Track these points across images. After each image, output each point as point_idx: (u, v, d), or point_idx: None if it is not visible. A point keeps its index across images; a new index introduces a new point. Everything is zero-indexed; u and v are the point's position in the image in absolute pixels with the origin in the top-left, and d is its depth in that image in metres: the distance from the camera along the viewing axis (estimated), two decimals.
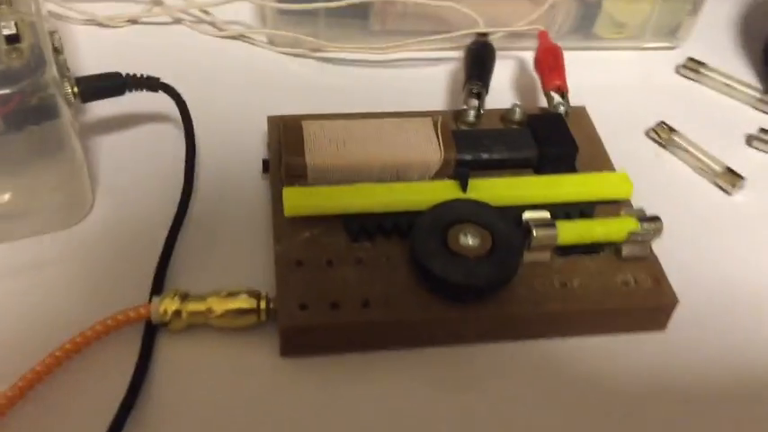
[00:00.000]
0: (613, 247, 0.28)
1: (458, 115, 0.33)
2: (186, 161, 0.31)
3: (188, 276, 0.29)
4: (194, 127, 0.32)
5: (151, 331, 0.26)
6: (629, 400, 0.26)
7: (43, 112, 0.27)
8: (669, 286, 0.27)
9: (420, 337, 0.27)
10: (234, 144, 0.34)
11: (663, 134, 0.35)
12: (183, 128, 0.32)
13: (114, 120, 0.34)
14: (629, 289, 0.27)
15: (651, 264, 0.28)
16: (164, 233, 0.29)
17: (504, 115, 0.33)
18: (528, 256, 0.27)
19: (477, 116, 0.32)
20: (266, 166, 0.31)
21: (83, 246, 0.29)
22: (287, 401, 0.25)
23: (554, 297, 0.27)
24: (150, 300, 0.26)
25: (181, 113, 0.32)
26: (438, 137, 0.30)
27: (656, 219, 0.28)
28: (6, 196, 0.28)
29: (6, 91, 0.25)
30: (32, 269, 0.28)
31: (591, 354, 0.27)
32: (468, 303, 0.26)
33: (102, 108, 0.33)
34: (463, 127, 0.32)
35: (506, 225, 0.27)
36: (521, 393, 0.26)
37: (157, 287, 0.27)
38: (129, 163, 0.32)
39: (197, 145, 0.32)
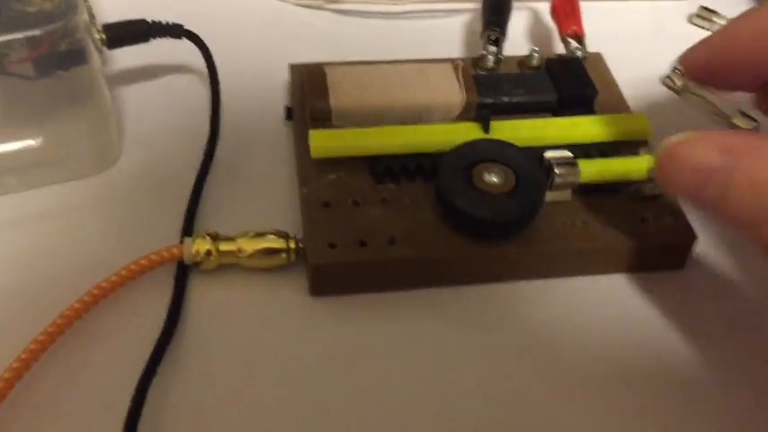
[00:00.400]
0: (633, 187, 0.29)
1: (477, 61, 0.33)
2: (211, 108, 0.32)
3: (216, 220, 0.29)
4: (218, 76, 0.33)
5: (184, 271, 0.27)
6: (648, 337, 0.27)
7: (72, 57, 0.27)
8: (687, 223, 0.28)
9: (446, 275, 0.27)
10: (256, 93, 0.34)
11: (678, 80, 0.35)
12: (206, 77, 0.33)
13: (140, 69, 0.35)
14: (647, 227, 0.28)
15: (669, 202, 0.29)
16: (191, 178, 0.30)
17: (523, 61, 0.33)
18: (550, 195, 0.28)
19: (496, 62, 0.33)
20: (289, 113, 0.32)
21: (113, 191, 0.30)
22: (316, 340, 0.26)
23: (575, 235, 0.27)
24: (182, 241, 0.27)
25: (205, 59, 0.32)
26: (459, 80, 0.30)
27: None
28: (37, 142, 0.29)
29: (38, 32, 0.25)
30: (63, 214, 0.29)
31: (610, 292, 0.28)
32: (493, 241, 0.27)
33: (129, 58, 0.34)
34: (482, 72, 0.33)
35: (529, 163, 0.28)
36: (544, 330, 0.27)
37: (188, 229, 0.28)
38: (155, 112, 0.33)
39: (221, 93, 0.32)
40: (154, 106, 0.33)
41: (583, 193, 0.28)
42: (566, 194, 0.28)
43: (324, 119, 0.29)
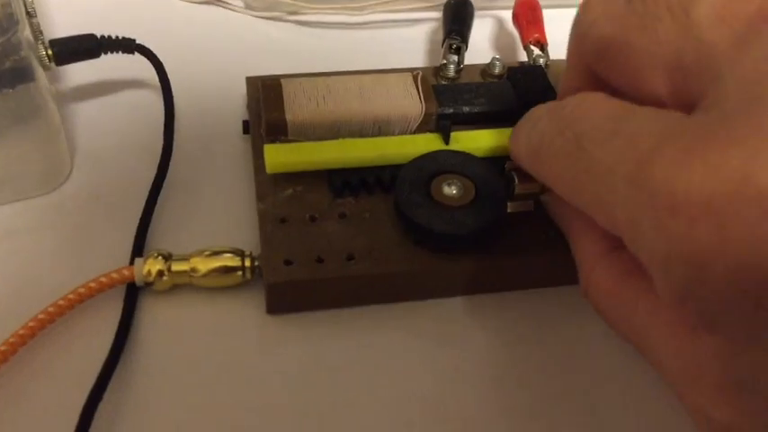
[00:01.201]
0: None
1: (438, 71, 0.33)
2: (165, 123, 0.31)
3: (170, 238, 0.28)
4: (172, 90, 0.32)
5: (134, 292, 0.26)
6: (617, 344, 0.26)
7: (18, 75, 0.26)
8: None
9: (405, 290, 0.27)
10: (212, 107, 0.33)
11: None
12: (160, 91, 0.32)
13: (91, 85, 0.34)
14: None
15: None
16: (144, 197, 0.29)
17: (485, 70, 0.33)
18: (512, 206, 0.27)
19: (458, 71, 0.32)
20: (246, 126, 0.31)
21: (62, 211, 0.29)
22: (274, 358, 0.25)
23: (539, 246, 0.27)
24: (132, 261, 0.26)
25: (158, 74, 0.32)
26: (418, 91, 0.29)
27: None
28: None
29: None
30: (11, 235, 0.28)
31: (577, 301, 0.27)
32: (453, 254, 0.26)
33: (79, 74, 0.33)
34: (443, 82, 0.32)
35: (489, 175, 0.27)
36: (507, 345, 0.26)
37: (139, 248, 0.27)
38: (107, 128, 0.32)
39: (175, 108, 0.32)
40: (106, 123, 0.32)
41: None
42: (527, 205, 0.27)
43: (280, 132, 0.28)
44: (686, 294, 0.17)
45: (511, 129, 0.29)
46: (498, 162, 0.28)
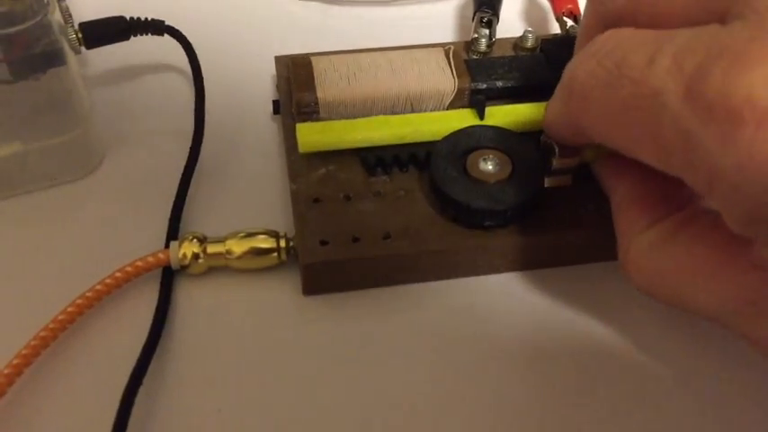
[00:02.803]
0: None
1: (468, 46, 0.32)
2: (196, 106, 0.30)
3: (204, 221, 0.28)
4: (202, 72, 0.32)
5: (169, 276, 0.26)
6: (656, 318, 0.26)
7: (49, 59, 0.26)
8: None
9: (442, 268, 0.26)
10: (242, 88, 0.33)
11: None
12: (190, 73, 0.32)
13: (120, 69, 0.34)
14: None
15: None
16: (177, 180, 0.29)
17: (517, 43, 0.32)
18: (549, 181, 0.27)
19: (489, 45, 0.32)
20: (277, 106, 0.31)
21: (96, 197, 0.29)
22: (312, 339, 0.25)
23: (577, 222, 0.26)
24: (167, 245, 0.26)
25: (188, 56, 0.31)
26: (451, 66, 0.29)
27: None
28: (16, 148, 0.28)
29: (8, 32, 0.24)
30: (46, 222, 0.28)
31: (616, 277, 0.27)
32: (490, 231, 0.26)
33: (109, 58, 0.33)
34: (475, 57, 0.32)
35: (526, 149, 0.27)
36: (546, 323, 0.26)
37: (173, 232, 0.27)
38: (138, 112, 0.32)
39: (205, 90, 0.31)
40: (136, 107, 0.32)
41: (585, 177, 0.27)
42: (566, 179, 0.27)
43: (311, 111, 0.28)
44: (759, 210, 0.17)
45: (546, 103, 0.29)
46: (534, 137, 0.27)
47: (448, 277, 0.27)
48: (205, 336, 0.25)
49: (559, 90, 0.23)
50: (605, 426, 0.23)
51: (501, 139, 0.27)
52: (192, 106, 0.31)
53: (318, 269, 0.25)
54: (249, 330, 0.25)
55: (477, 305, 0.26)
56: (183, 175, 0.29)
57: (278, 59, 0.31)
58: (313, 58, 0.29)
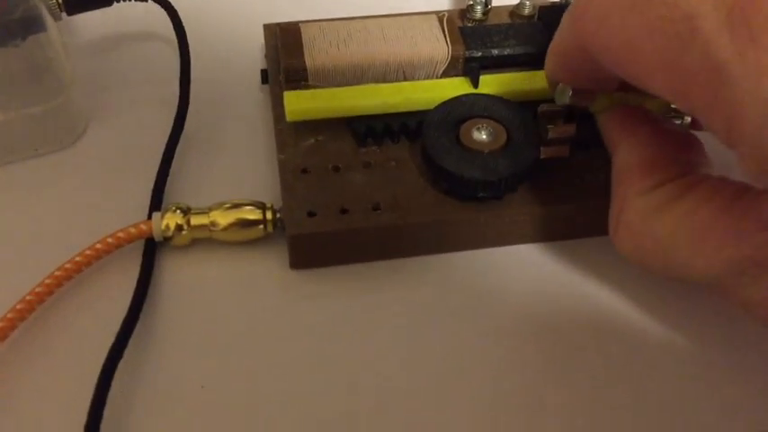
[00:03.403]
0: None
1: (464, 13, 0.31)
2: (181, 74, 0.29)
3: (189, 192, 0.27)
4: (188, 40, 0.31)
5: (152, 248, 0.25)
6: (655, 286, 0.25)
7: (28, 25, 0.26)
8: None
9: (433, 241, 0.25)
10: (229, 57, 0.32)
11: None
12: (175, 42, 0.30)
13: (104, 37, 0.33)
14: None
15: None
16: (162, 150, 0.28)
17: (514, 11, 0.31)
18: (545, 152, 0.26)
19: (485, 12, 0.30)
20: (265, 76, 0.30)
21: (79, 167, 0.28)
22: (298, 315, 0.24)
23: (574, 194, 0.25)
24: (150, 216, 0.25)
25: (172, 22, 0.30)
26: (444, 33, 0.28)
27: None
28: None
29: None
30: (29, 191, 0.27)
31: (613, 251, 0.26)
32: (484, 203, 0.25)
33: (91, 25, 0.32)
34: (469, 24, 0.31)
35: (522, 119, 0.26)
36: (542, 297, 0.25)
37: (157, 204, 0.26)
38: (122, 80, 0.31)
39: (191, 59, 0.30)
40: (120, 75, 0.31)
41: (581, 147, 0.26)
42: (563, 150, 0.26)
43: (299, 79, 0.27)
44: None
45: (542, 71, 0.28)
46: (531, 106, 0.26)
47: (439, 251, 0.26)
48: (189, 310, 0.24)
49: (569, 15, 0.22)
50: (616, 401, 0.23)
51: (496, 108, 0.26)
52: (178, 75, 0.30)
53: (305, 241, 0.24)
54: (234, 305, 0.25)
55: (469, 279, 0.25)
56: (168, 145, 0.28)
57: (266, 27, 0.30)
58: (302, 25, 0.28)
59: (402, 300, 0.25)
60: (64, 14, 0.29)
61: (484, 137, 0.25)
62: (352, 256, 0.25)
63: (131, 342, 0.23)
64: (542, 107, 0.26)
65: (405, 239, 0.25)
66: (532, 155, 0.25)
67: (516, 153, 0.25)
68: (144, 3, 0.30)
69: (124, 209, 0.26)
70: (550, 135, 0.25)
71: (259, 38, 0.31)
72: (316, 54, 0.27)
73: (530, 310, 0.24)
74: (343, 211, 0.25)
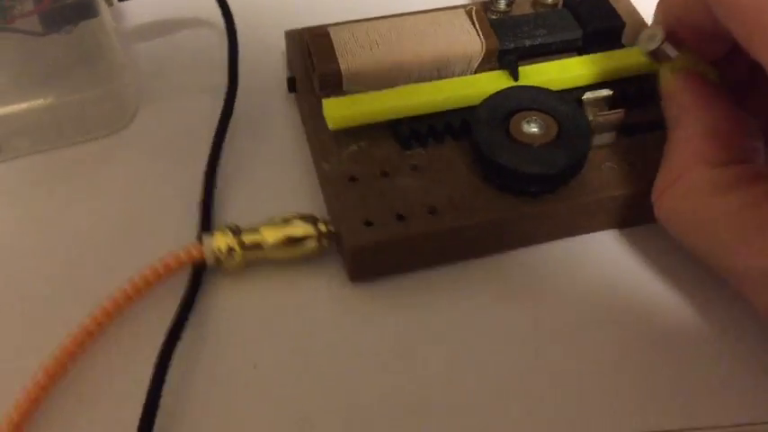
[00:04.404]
0: None
1: (487, 6, 0.30)
2: (229, 59, 0.30)
3: (226, 209, 0.26)
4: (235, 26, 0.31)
5: (200, 271, 0.24)
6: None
7: (80, 10, 0.26)
8: None
9: (491, 240, 0.25)
10: (251, 68, 0.31)
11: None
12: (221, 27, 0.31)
13: (151, 23, 0.33)
14: None
15: None
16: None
17: (537, 0, 0.31)
18: (594, 139, 0.25)
19: (509, 4, 0.30)
20: (292, 84, 0.29)
21: (129, 151, 0.28)
22: (366, 331, 0.23)
23: (627, 179, 0.25)
24: (200, 238, 0.24)
25: (221, 8, 0.31)
26: (475, 27, 0.27)
27: None
28: (48, 102, 0.27)
29: None
30: (81, 175, 0.27)
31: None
32: (539, 197, 0.24)
33: (140, 12, 0.32)
34: (493, 17, 0.30)
35: (568, 107, 0.25)
36: (602, 283, 0.25)
37: (206, 224, 0.25)
38: (169, 66, 0.32)
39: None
40: (166, 61, 0.32)
41: (627, 133, 0.26)
42: (610, 137, 0.26)
43: (334, 85, 0.26)
44: None
45: (580, 57, 0.27)
46: (572, 94, 0.26)
47: (497, 250, 0.25)
48: (244, 336, 0.23)
49: None
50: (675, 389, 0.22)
51: (540, 99, 0.25)
52: (223, 61, 0.30)
53: (365, 252, 0.24)
54: (295, 327, 0.24)
55: (531, 278, 0.25)
56: (209, 160, 0.27)
57: (288, 34, 0.29)
58: (330, 29, 0.27)
59: (469, 304, 0.24)
60: (115, 0, 0.29)
61: (535, 129, 0.24)
62: (410, 263, 0.25)
63: (180, 373, 0.22)
64: (587, 95, 0.26)
65: (465, 240, 0.24)
66: (587, 144, 0.24)
67: (570, 143, 0.24)
68: None
69: (173, 190, 0.27)
70: (600, 122, 0.25)
71: (280, 44, 0.30)
72: (349, 58, 0.26)
73: (603, 301, 0.24)
74: (400, 218, 0.24)
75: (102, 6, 0.27)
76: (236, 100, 0.29)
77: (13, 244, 0.25)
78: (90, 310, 0.22)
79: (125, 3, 0.30)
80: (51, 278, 0.25)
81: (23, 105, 0.27)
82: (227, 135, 0.28)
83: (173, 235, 0.25)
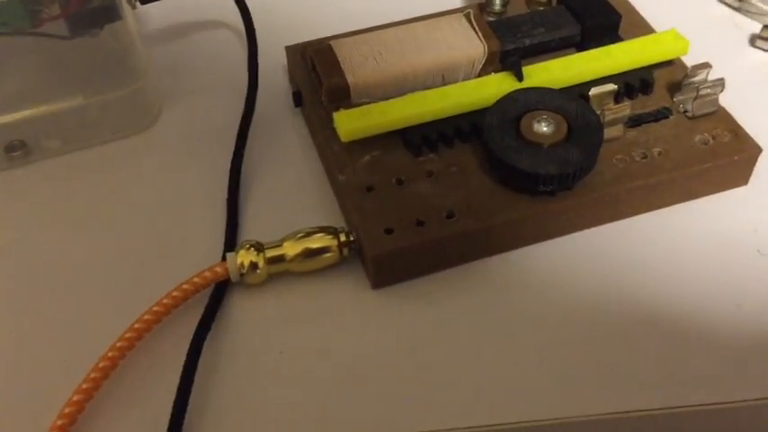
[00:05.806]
0: (683, 109, 0.27)
1: (482, 8, 0.31)
2: (249, 60, 0.31)
3: (246, 223, 0.27)
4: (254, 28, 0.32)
5: (223, 287, 0.24)
6: (724, 259, 0.25)
7: (106, 14, 0.27)
8: (748, 136, 0.26)
9: (510, 239, 0.25)
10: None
11: None
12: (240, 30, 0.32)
13: (173, 25, 0.34)
14: (709, 146, 0.26)
15: (723, 118, 0.27)
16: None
17: None
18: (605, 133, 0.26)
19: (504, 4, 0.31)
20: (298, 98, 0.29)
21: (153, 151, 0.29)
22: (392, 335, 0.24)
23: (639, 170, 0.25)
24: (224, 257, 0.24)
25: (240, 11, 0.32)
26: (475, 30, 0.28)
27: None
28: (77, 102, 0.28)
29: None
30: (109, 173, 0.28)
31: (681, 221, 0.26)
32: (555, 194, 0.25)
33: (159, 15, 0.34)
34: (491, 18, 0.30)
35: (576, 105, 0.26)
36: (621, 273, 0.25)
37: (230, 243, 0.26)
38: (191, 67, 0.32)
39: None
40: (188, 62, 0.32)
41: (633, 124, 0.26)
42: (618, 130, 0.26)
43: (342, 97, 0.27)
44: None
45: (580, 53, 0.28)
46: (576, 91, 0.26)
47: (514, 247, 0.26)
48: (274, 348, 0.24)
49: None
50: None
51: (547, 99, 0.26)
52: (243, 62, 0.31)
53: (388, 259, 0.24)
54: (322, 336, 0.24)
55: (550, 271, 0.25)
56: (230, 178, 0.28)
57: (288, 49, 0.30)
58: (332, 42, 0.28)
59: (493, 301, 0.24)
60: (138, 3, 0.30)
61: (545, 129, 0.25)
62: (430, 266, 0.25)
63: (204, 384, 0.22)
64: (593, 90, 0.26)
65: (484, 242, 0.25)
66: (599, 139, 0.25)
67: (582, 140, 0.25)
68: None
69: (199, 188, 0.28)
70: (608, 116, 0.25)
71: (280, 59, 0.30)
72: (355, 70, 0.27)
73: (626, 294, 0.24)
74: (419, 224, 0.24)
75: (127, 10, 0.27)
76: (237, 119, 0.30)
77: (42, 246, 0.26)
78: (114, 319, 0.23)
79: (146, 6, 0.31)
80: (81, 281, 0.25)
81: (52, 107, 0.28)
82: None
83: (199, 226, 0.27)
